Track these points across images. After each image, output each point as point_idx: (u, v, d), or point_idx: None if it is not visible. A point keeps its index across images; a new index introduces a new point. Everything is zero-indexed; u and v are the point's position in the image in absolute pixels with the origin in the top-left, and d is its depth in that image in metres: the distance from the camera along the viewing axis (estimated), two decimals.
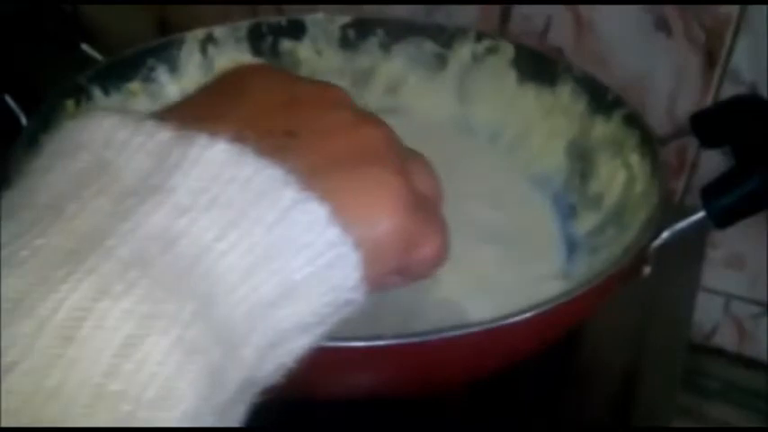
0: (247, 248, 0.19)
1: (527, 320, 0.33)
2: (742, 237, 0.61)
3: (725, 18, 0.54)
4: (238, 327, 0.19)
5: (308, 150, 0.21)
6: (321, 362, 0.32)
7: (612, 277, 0.36)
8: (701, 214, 0.37)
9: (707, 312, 0.65)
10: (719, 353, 0.66)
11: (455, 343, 0.32)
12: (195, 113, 0.22)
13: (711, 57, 0.55)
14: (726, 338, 0.66)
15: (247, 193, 0.19)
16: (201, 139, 0.20)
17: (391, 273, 0.23)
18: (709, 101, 0.57)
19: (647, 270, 0.38)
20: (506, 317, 0.33)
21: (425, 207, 0.24)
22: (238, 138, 0.20)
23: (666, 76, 0.57)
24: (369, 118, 0.24)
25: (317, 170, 0.21)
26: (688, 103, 0.57)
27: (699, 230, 0.39)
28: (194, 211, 0.19)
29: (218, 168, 0.20)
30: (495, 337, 0.34)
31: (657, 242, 0.38)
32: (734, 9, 0.53)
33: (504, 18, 0.60)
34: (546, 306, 0.34)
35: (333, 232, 0.20)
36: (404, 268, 0.23)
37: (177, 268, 0.18)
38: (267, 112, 0.22)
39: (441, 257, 0.25)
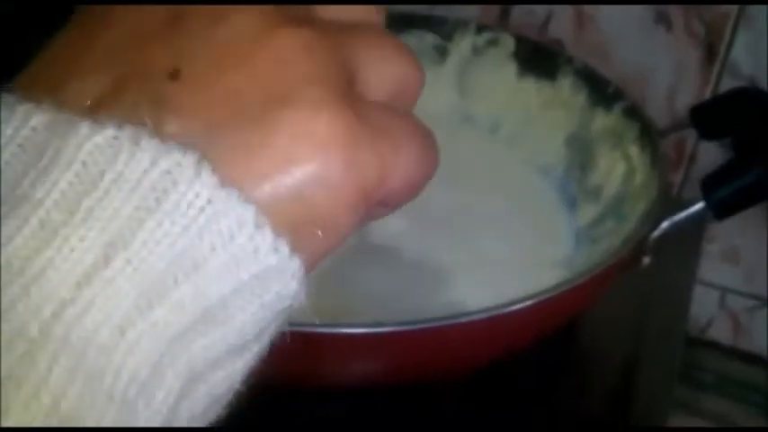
0: (141, 272, 0.15)
1: (527, 308, 0.34)
2: (738, 231, 0.61)
3: (724, 13, 0.54)
4: (138, 373, 0.15)
5: (196, 98, 0.16)
6: (320, 349, 0.32)
7: (612, 267, 0.36)
8: (700, 205, 0.38)
9: (702, 306, 0.66)
10: (715, 346, 0.67)
11: (455, 330, 0.32)
12: (54, 62, 0.17)
13: (711, 51, 0.56)
14: (721, 332, 0.67)
15: (140, 196, 0.15)
16: (82, 127, 0.15)
17: (367, 213, 0.18)
18: (708, 94, 0.57)
19: (645, 260, 0.39)
20: (506, 305, 0.33)
21: (383, 124, 0.18)
22: (99, 101, 0.16)
23: (666, 70, 0.58)
24: (281, 18, 0.17)
25: (212, 129, 0.16)
26: (687, 97, 0.57)
27: (698, 222, 0.39)
28: (67, 227, 0.15)
29: (101, 165, 0.15)
30: (494, 324, 0.34)
31: (657, 233, 0.38)
32: (734, 3, 0.54)
33: (505, 10, 0.60)
34: (545, 295, 0.34)
35: (261, 237, 0.16)
36: (383, 200, 0.18)
37: (39, 315, 0.14)
38: (140, 42, 0.17)
39: (421, 176, 0.19)
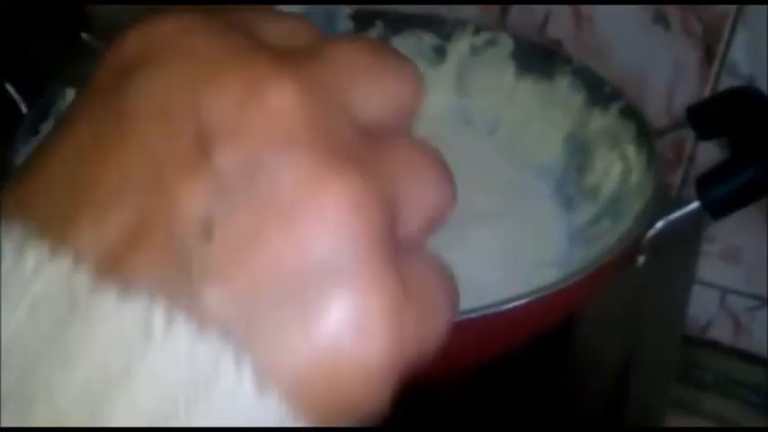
0: None
1: (521, 307, 0.34)
2: (738, 230, 0.61)
3: (723, 12, 0.54)
4: None
5: (232, 266, 0.14)
6: None
7: (607, 266, 0.36)
8: (695, 204, 0.38)
9: (703, 305, 0.66)
10: (715, 346, 0.67)
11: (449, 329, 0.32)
12: (58, 179, 0.15)
13: (710, 50, 0.56)
14: (721, 332, 0.67)
15: (172, 391, 0.13)
16: (108, 297, 0.13)
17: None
18: (707, 94, 0.57)
19: (641, 260, 0.39)
20: (500, 303, 0.33)
21: (424, 292, 0.16)
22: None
23: (665, 70, 0.58)
24: (328, 161, 0.14)
25: (248, 305, 0.14)
26: (686, 97, 0.57)
27: (693, 221, 0.40)
28: None
29: (129, 352, 0.13)
30: (489, 323, 0.34)
31: (652, 232, 0.38)
32: (732, 3, 0.54)
33: (504, 11, 0.60)
34: (540, 293, 0.34)
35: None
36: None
37: None
38: (163, 170, 0.14)
39: (446, 332, 0.18)
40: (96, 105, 0.15)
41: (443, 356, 0.38)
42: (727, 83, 0.56)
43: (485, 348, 0.38)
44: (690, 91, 0.57)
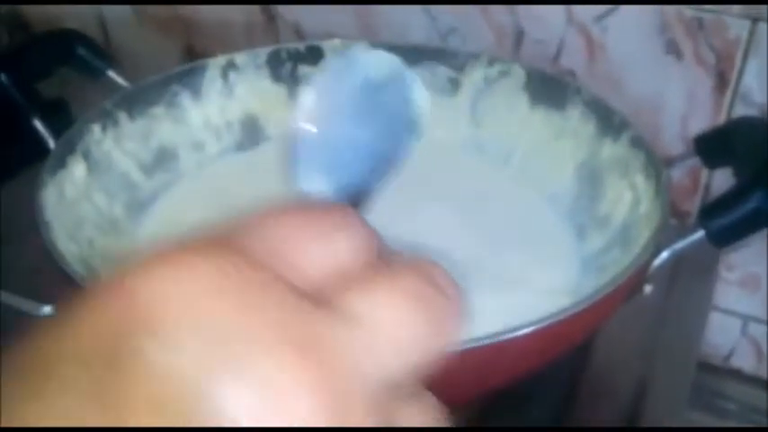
0: None
1: (526, 336, 0.34)
2: (757, 258, 0.61)
3: (734, 40, 0.54)
4: None
5: None
6: None
7: (612, 295, 0.37)
8: (699, 234, 0.38)
9: (725, 334, 0.65)
10: (737, 374, 0.66)
11: (452, 359, 0.33)
12: None
13: (722, 79, 0.56)
14: (744, 360, 0.66)
15: None
16: None
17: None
18: (721, 122, 0.57)
19: (648, 289, 0.39)
20: (503, 332, 0.34)
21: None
22: None
23: (679, 98, 0.58)
24: None
25: None
26: (700, 125, 0.58)
27: (697, 249, 0.40)
28: None
29: None
30: (496, 350, 0.35)
31: (657, 261, 0.39)
32: (743, 31, 0.54)
33: (518, 42, 0.61)
34: (545, 322, 0.35)
35: None
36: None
37: None
38: None
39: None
40: (83, 366, 0.14)
41: (454, 383, 0.38)
42: (740, 111, 0.56)
43: (495, 375, 0.39)
44: (704, 119, 0.58)
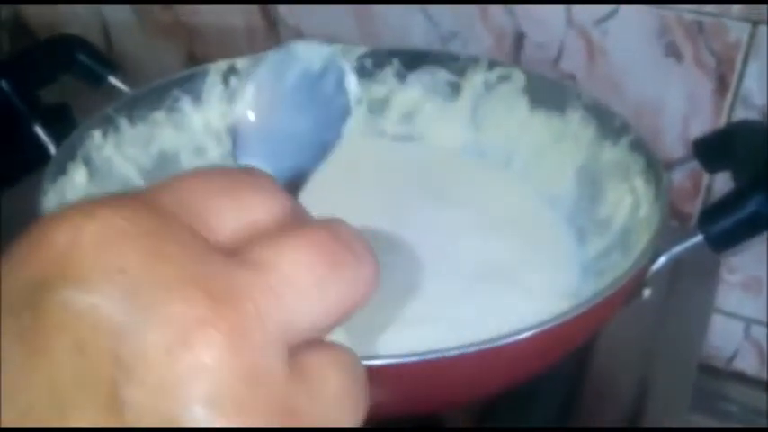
0: None
1: (525, 340, 0.34)
2: (760, 261, 0.61)
3: (735, 43, 0.54)
4: None
5: None
6: None
7: (610, 299, 0.37)
8: (698, 238, 0.38)
9: (727, 336, 0.65)
10: (740, 377, 0.66)
11: (450, 362, 0.33)
12: None
13: (723, 82, 0.56)
14: (746, 362, 0.66)
15: None
16: None
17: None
18: (722, 125, 0.57)
19: (647, 293, 0.39)
20: (503, 336, 0.34)
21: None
22: None
23: (679, 101, 0.58)
24: None
25: None
26: (701, 128, 0.58)
27: (698, 252, 0.40)
28: None
29: None
30: (493, 355, 0.35)
31: (656, 266, 0.39)
32: (743, 34, 0.54)
33: (518, 46, 0.61)
34: (542, 326, 0.35)
35: None
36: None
37: None
38: (68, 412, 0.14)
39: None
40: (6, 312, 0.15)
41: (455, 386, 0.38)
42: (741, 114, 0.56)
43: (494, 379, 0.39)
44: (704, 122, 0.58)
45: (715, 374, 0.66)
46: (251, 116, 0.22)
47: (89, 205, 0.16)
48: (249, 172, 0.19)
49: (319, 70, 0.23)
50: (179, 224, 0.16)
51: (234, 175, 0.19)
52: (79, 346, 0.14)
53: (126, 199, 0.16)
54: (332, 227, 0.18)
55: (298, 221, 0.18)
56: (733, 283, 0.63)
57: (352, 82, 0.24)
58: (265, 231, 0.17)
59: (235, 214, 0.17)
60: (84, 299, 0.14)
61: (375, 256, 0.18)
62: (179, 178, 0.18)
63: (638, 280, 0.38)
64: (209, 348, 0.14)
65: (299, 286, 0.16)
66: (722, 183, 0.58)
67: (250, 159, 0.22)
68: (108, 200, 0.16)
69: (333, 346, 0.17)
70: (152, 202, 0.16)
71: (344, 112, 0.24)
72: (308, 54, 0.23)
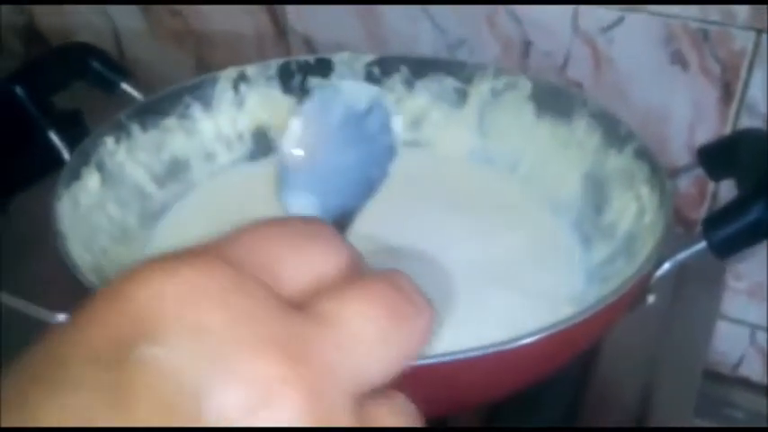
0: None
1: (529, 345, 0.35)
2: (765, 268, 0.61)
3: (740, 51, 0.55)
4: None
5: None
6: None
7: (614, 305, 0.37)
8: (701, 245, 0.38)
9: (733, 343, 0.66)
10: (746, 383, 0.66)
11: (453, 367, 0.34)
12: None
13: (728, 89, 0.56)
14: (752, 369, 0.66)
15: None
16: None
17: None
18: (727, 133, 0.58)
19: (650, 299, 0.40)
20: (507, 341, 0.34)
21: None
22: None
23: (685, 109, 0.58)
24: None
25: None
26: (707, 136, 0.58)
27: (702, 259, 0.40)
28: None
29: None
30: (497, 360, 0.35)
31: (660, 272, 0.39)
32: (748, 43, 0.54)
33: (525, 54, 0.62)
34: (546, 332, 0.35)
35: None
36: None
37: None
38: None
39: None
40: (94, 367, 0.15)
41: (459, 391, 0.39)
42: (746, 122, 0.56)
43: (499, 384, 0.39)
44: (710, 130, 0.58)
45: (720, 381, 0.66)
46: (298, 152, 0.22)
47: (167, 261, 0.16)
48: (312, 223, 0.20)
49: (364, 109, 0.23)
50: (253, 279, 0.17)
51: (298, 226, 0.19)
52: (164, 406, 0.15)
53: (201, 254, 0.17)
54: (393, 278, 0.18)
55: (359, 272, 0.19)
56: (739, 289, 0.63)
57: (397, 122, 0.24)
58: (330, 283, 0.18)
59: (301, 267, 0.18)
60: (167, 358, 0.15)
61: (433, 306, 0.19)
62: (246, 231, 0.18)
63: (642, 286, 0.39)
64: (288, 407, 0.15)
65: (367, 341, 0.17)
66: (728, 190, 0.58)
67: (296, 195, 0.22)
68: (185, 255, 0.17)
69: (393, 394, 0.18)
70: (225, 256, 0.17)
71: (390, 151, 0.24)
72: (353, 93, 0.23)
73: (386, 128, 0.24)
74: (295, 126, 0.22)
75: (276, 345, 0.15)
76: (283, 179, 0.22)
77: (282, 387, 0.15)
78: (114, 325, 0.16)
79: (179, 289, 0.16)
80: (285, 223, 0.19)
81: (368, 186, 0.24)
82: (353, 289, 0.17)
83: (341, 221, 0.23)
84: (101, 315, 0.16)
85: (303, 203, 0.22)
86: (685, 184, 0.60)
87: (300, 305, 0.17)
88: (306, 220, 0.20)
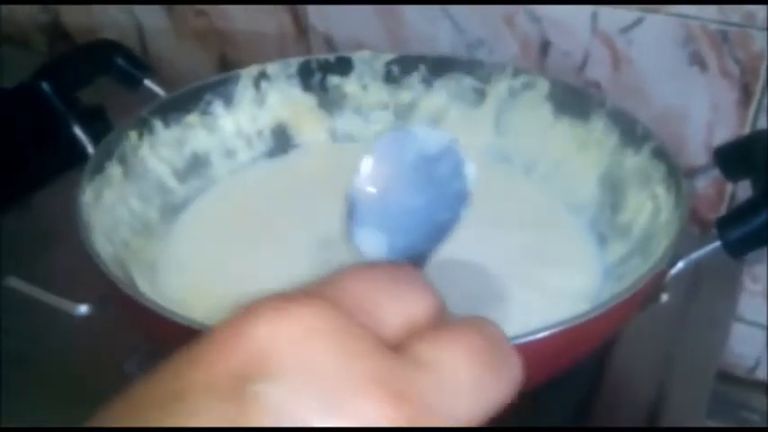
0: None
1: (539, 341, 0.35)
2: None
3: (759, 53, 0.55)
4: None
5: None
6: None
7: (626, 303, 0.37)
8: (716, 244, 0.39)
9: (749, 345, 0.65)
10: (762, 386, 0.66)
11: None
12: None
13: (747, 91, 0.56)
14: None
15: None
16: None
17: None
18: (745, 134, 0.57)
19: (664, 297, 0.40)
20: (517, 336, 0.35)
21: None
22: None
23: (703, 110, 0.58)
24: None
25: None
26: (725, 136, 0.58)
27: (719, 259, 0.40)
28: None
29: None
30: None
31: (674, 271, 0.39)
32: (767, 44, 0.54)
33: (543, 54, 0.62)
34: (557, 327, 0.35)
35: None
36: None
37: None
38: None
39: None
40: (211, 399, 0.16)
41: None
42: (765, 123, 0.56)
43: None
44: (728, 131, 0.58)
45: (737, 383, 0.66)
46: (370, 188, 0.23)
47: (280, 302, 0.18)
48: (403, 268, 0.21)
49: (436, 154, 0.24)
50: (357, 321, 0.18)
51: (392, 271, 0.21)
52: None
53: (310, 296, 0.18)
54: (482, 327, 0.20)
55: (444, 316, 0.20)
56: (756, 292, 0.63)
57: (470, 168, 0.25)
58: (422, 327, 0.19)
59: (397, 310, 0.19)
60: (283, 395, 0.16)
61: (517, 353, 0.20)
62: (346, 275, 0.19)
63: (656, 284, 0.39)
64: None
65: (463, 386, 0.18)
66: (746, 191, 0.58)
67: (366, 233, 0.23)
68: (296, 297, 0.18)
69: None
70: (331, 298, 0.18)
71: (462, 196, 0.25)
72: (427, 137, 0.24)
73: (458, 173, 0.24)
74: (367, 164, 0.23)
75: (382, 385, 0.17)
76: (353, 216, 0.23)
77: (387, 423, 0.16)
78: (231, 361, 0.17)
79: (293, 330, 0.17)
80: (380, 268, 0.20)
81: (438, 230, 0.24)
82: (447, 335, 0.19)
83: (413, 264, 0.23)
84: (217, 351, 0.17)
85: (372, 242, 0.22)
86: (703, 185, 0.60)
87: (396, 347, 0.18)
88: (397, 266, 0.21)
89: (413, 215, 0.23)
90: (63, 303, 0.43)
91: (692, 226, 0.55)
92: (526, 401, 0.43)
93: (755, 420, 0.64)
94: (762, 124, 0.56)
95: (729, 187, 0.60)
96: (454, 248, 0.50)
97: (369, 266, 0.20)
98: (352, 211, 0.22)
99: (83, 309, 0.43)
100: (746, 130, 0.57)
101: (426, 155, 0.23)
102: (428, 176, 0.24)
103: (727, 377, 0.66)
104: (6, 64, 0.72)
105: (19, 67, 0.55)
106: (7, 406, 0.44)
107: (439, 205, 0.24)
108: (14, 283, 0.44)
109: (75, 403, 0.45)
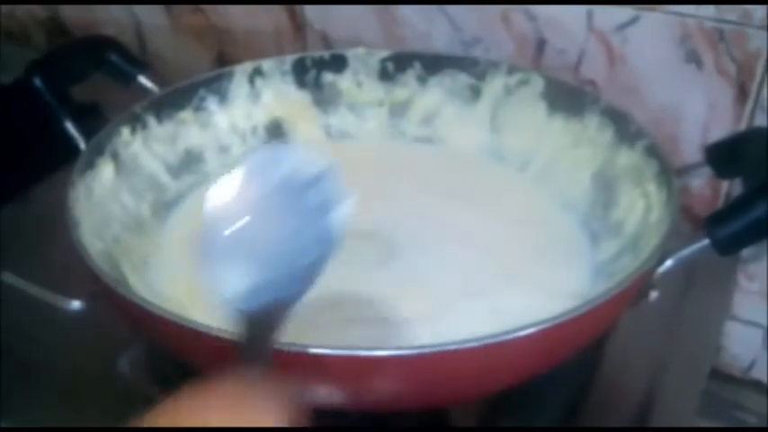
0: None
1: (526, 337, 0.35)
2: None
3: (755, 52, 0.54)
4: None
5: None
6: (323, 372, 0.34)
7: (614, 300, 0.37)
8: (704, 242, 0.38)
9: (745, 345, 0.65)
10: (758, 386, 0.66)
11: (454, 356, 0.34)
12: None
13: (743, 89, 0.56)
14: (764, 371, 0.66)
15: None
16: None
17: None
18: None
19: (653, 295, 0.40)
20: (504, 333, 0.35)
21: None
22: None
23: (699, 109, 0.58)
24: None
25: None
26: (721, 135, 0.57)
27: (711, 257, 0.40)
28: None
29: None
30: (495, 351, 0.35)
31: (662, 268, 0.39)
32: (764, 42, 0.54)
33: (539, 52, 0.62)
34: (544, 324, 0.35)
35: None
36: None
37: None
38: None
39: None
40: None
41: (456, 382, 0.39)
42: (761, 121, 0.56)
43: (496, 376, 0.39)
44: (724, 129, 0.58)
45: (732, 383, 0.66)
46: (223, 218, 0.20)
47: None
48: (248, 382, 0.21)
49: (310, 179, 0.21)
50: None
51: (236, 389, 0.21)
52: None
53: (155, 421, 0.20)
54: None
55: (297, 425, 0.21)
56: (751, 291, 0.63)
57: (344, 206, 0.21)
58: None
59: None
60: None
61: None
62: (184, 399, 0.21)
63: (644, 282, 0.39)
64: None
65: None
66: (740, 189, 0.58)
67: (221, 268, 0.20)
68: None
69: None
70: (173, 421, 0.20)
71: (325, 238, 0.21)
72: (304, 159, 0.21)
73: (327, 208, 0.21)
74: (220, 190, 0.20)
75: None
76: (207, 249, 0.20)
77: None
78: None
79: None
80: (221, 388, 0.20)
81: (303, 271, 0.21)
82: None
83: (273, 311, 0.21)
84: None
85: (229, 279, 0.20)
86: (698, 184, 0.60)
87: None
88: (242, 380, 0.21)
89: (274, 248, 0.20)
90: (56, 299, 0.43)
91: (687, 224, 0.54)
92: (516, 400, 0.44)
93: (751, 420, 0.64)
94: (758, 122, 0.56)
95: (725, 186, 0.60)
96: (446, 244, 0.50)
97: (210, 386, 0.20)
98: (204, 254, 0.20)
99: (75, 304, 0.43)
100: (742, 128, 0.57)
101: (299, 179, 0.20)
102: (294, 205, 0.21)
103: (722, 377, 0.65)
104: (5, 60, 0.72)
105: (18, 63, 0.55)
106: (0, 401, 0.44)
107: (302, 241, 0.21)
108: (8, 278, 0.44)
109: (68, 398, 0.46)
